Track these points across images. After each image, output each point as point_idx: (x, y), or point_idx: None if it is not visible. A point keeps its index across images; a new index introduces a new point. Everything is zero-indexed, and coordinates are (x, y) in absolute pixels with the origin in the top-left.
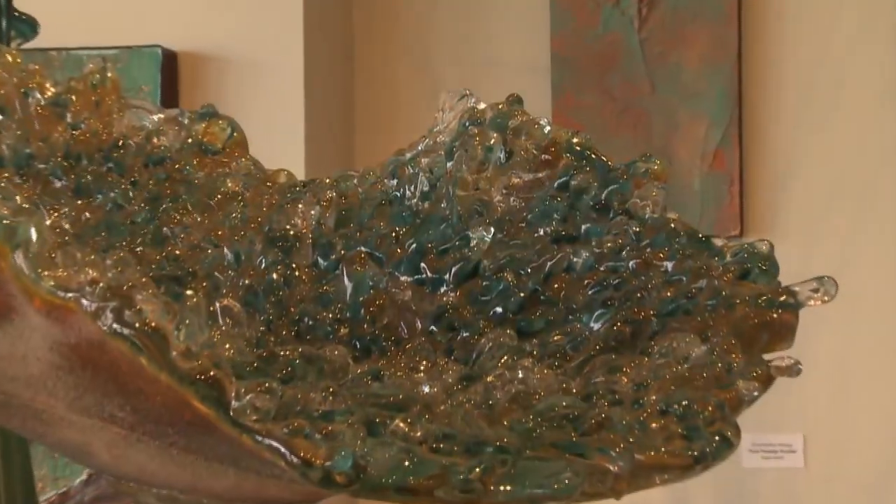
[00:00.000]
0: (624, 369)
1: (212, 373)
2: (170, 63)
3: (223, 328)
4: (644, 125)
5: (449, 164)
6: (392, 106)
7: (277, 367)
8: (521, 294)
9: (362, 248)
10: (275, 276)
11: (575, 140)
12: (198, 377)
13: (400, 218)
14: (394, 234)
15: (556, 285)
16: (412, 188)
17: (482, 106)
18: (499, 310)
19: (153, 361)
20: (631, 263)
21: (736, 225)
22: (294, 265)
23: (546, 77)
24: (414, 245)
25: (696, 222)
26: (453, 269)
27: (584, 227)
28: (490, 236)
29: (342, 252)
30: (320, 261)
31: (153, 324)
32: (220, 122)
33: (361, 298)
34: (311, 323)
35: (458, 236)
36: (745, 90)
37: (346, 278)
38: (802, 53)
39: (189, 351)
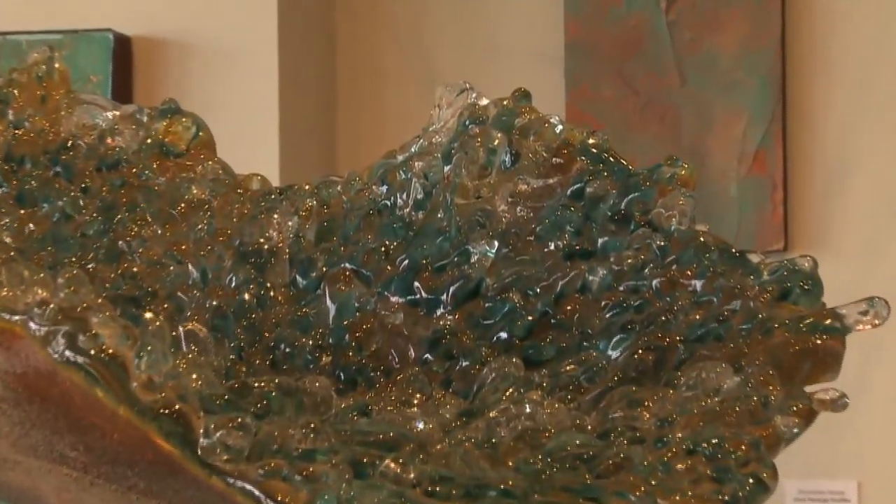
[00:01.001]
0: (646, 403)
1: (177, 406)
2: (123, 49)
3: (189, 356)
4: (672, 122)
5: (446, 169)
6: (380, 100)
7: (251, 401)
8: (529, 317)
9: (347, 265)
10: (247, 296)
11: (591, 141)
12: (161, 411)
13: (390, 230)
14: (383, 249)
15: (568, 307)
16: (404, 196)
17: (484, 101)
18: (503, 335)
19: (110, 393)
20: (654, 282)
21: (779, 238)
22: (269, 284)
23: (559, 67)
24: (406, 261)
25: (733, 235)
26: (451, 289)
27: (600, 240)
28: (493, 251)
29: (324, 269)
30: (299, 279)
31: (111, 350)
32: (184, 119)
33: (346, 322)
34: (288, 350)
35: (456, 251)
36: (790, 81)
37: (328, 299)
38: (857, 37)
39: (151, 381)
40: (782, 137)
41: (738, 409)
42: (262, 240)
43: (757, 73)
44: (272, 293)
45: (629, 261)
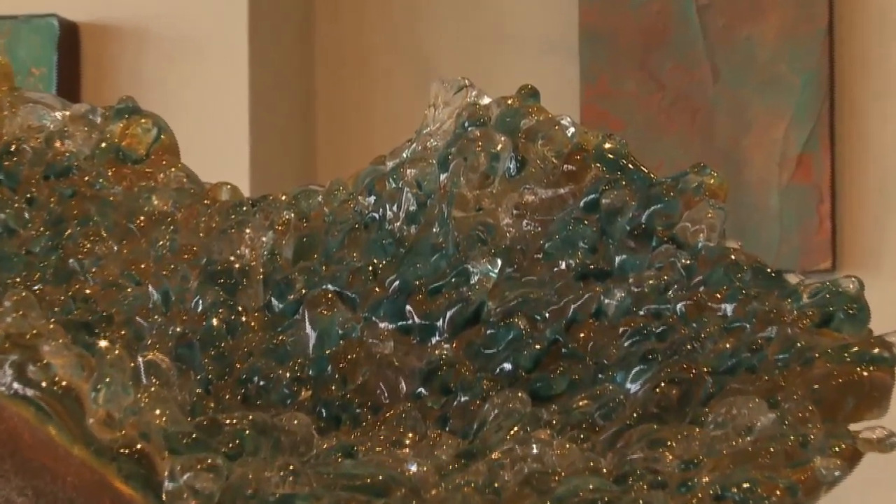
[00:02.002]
0: (669, 443)
1: (138, 445)
2: (69, 37)
3: (152, 389)
4: (703, 123)
5: (443, 177)
6: (367, 97)
7: (222, 440)
8: (537, 346)
9: (329, 286)
10: (215, 321)
11: (607, 145)
12: (121, 451)
13: (379, 247)
14: (370, 268)
15: (581, 334)
16: (395, 208)
17: (486, 100)
18: (507, 366)
19: (64, 431)
20: (679, 306)
21: (826, 256)
22: (240, 308)
23: (572, 58)
24: (397, 282)
25: (773, 253)
26: (448, 314)
27: (618, 259)
28: (496, 271)
29: (303, 291)
30: (274, 302)
31: (64, 383)
32: (143, 120)
33: (328, 352)
34: (262, 383)
35: (454, 271)
36: (839, 76)
37: (307, 325)
38: None
39: (110, 418)
40: (830, 141)
41: (772, 449)
42: (232, 257)
43: (801, 66)
44: (244, 318)
45: (650, 282)
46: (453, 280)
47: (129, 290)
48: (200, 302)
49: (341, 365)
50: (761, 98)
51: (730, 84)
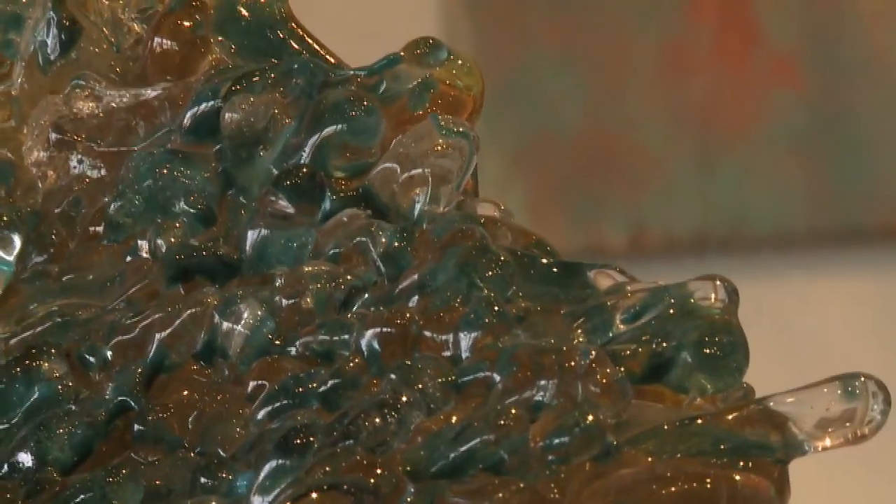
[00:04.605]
0: None
1: None
2: None
3: None
4: None
5: None
6: None
7: None
8: (80, 422)
9: None
10: None
11: None
12: None
13: None
14: None
15: (174, 395)
16: None
17: None
18: (26, 459)
19: None
20: (367, 337)
21: None
22: None
23: None
24: None
25: None
26: None
27: (253, 235)
28: (11, 259)
29: None
30: None
31: None
32: None
33: None
34: None
35: None
36: None
37: None
38: None
39: None
40: None
41: None
42: None
43: None
44: None
45: (315, 284)
46: None
47: None
48: None
49: None
50: None
51: None
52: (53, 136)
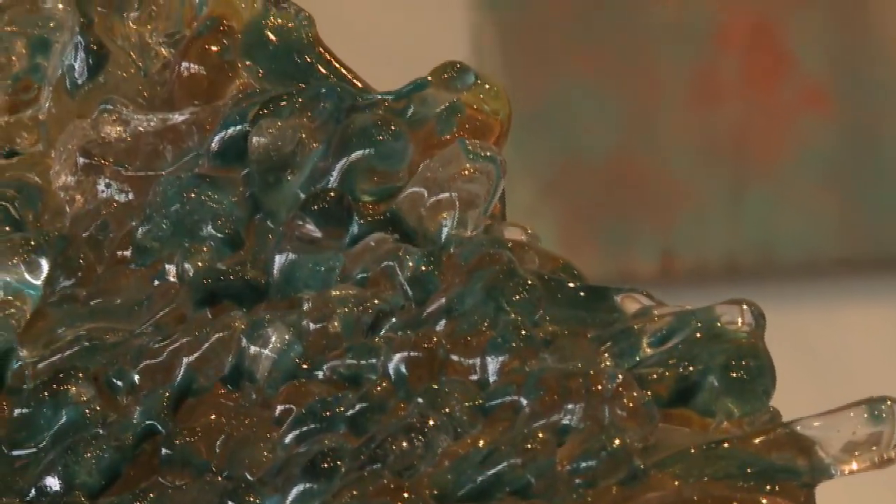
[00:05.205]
0: None
1: None
2: None
3: None
4: None
5: None
6: None
7: None
8: (107, 446)
9: None
10: None
11: (276, 19)
12: None
13: None
14: None
15: (201, 419)
16: None
17: None
18: (54, 483)
19: None
20: (395, 361)
21: None
22: None
23: None
24: None
25: None
26: None
27: (280, 259)
28: (39, 283)
29: None
30: None
31: None
32: None
33: None
34: None
35: None
36: None
37: None
38: None
39: None
40: None
41: None
42: None
43: None
44: None
45: (343, 309)
46: None
47: None
48: None
49: None
50: None
51: None
52: (81, 160)
